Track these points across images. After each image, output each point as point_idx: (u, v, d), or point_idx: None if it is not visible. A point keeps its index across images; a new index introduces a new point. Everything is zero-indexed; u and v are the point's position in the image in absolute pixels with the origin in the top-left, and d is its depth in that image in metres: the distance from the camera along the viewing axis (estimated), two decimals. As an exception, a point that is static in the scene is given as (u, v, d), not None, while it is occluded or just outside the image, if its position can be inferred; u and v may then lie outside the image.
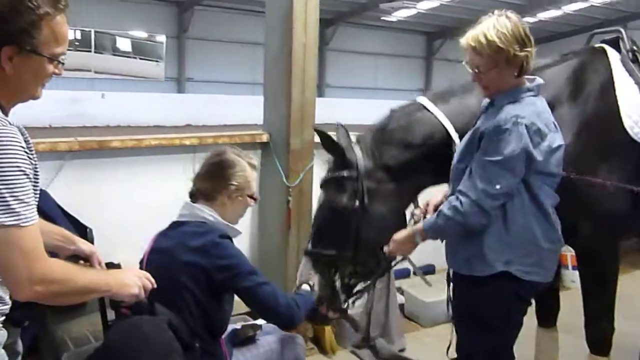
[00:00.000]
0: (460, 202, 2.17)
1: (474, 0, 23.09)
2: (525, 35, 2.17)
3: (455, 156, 2.36)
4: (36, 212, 1.49)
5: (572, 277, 4.82)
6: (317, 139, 3.82)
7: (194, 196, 2.42)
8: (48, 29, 1.51)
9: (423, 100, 2.72)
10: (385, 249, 2.50)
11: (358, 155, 2.62)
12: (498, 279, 2.22)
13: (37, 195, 1.56)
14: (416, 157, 2.63)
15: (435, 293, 4.34)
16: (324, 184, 2.71)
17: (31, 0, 1.47)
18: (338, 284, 2.60)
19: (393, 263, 2.73)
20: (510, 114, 2.14)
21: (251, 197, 2.42)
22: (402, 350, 3.84)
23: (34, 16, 1.47)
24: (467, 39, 2.21)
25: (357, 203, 2.56)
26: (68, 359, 2.61)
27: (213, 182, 2.37)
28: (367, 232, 2.58)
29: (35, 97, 1.61)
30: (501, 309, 2.27)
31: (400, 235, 2.44)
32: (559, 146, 2.23)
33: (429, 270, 4.84)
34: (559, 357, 3.17)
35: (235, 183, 2.35)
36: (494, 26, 2.15)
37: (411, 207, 2.74)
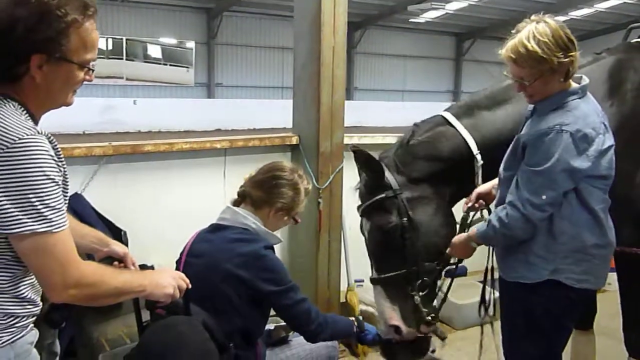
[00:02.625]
0: (507, 213, 2.13)
1: (503, 0, 22.87)
2: (568, 40, 2.07)
3: (502, 164, 2.32)
4: (67, 218, 1.51)
5: (607, 280, 4.71)
6: (346, 140, 3.85)
7: (242, 197, 2.44)
8: (77, 36, 1.51)
9: (446, 114, 2.69)
10: (448, 250, 2.52)
11: (386, 172, 2.61)
12: (549, 286, 2.17)
13: (67, 201, 1.58)
14: (440, 171, 2.63)
15: (468, 295, 4.31)
16: (366, 211, 2.69)
17: (59, 8, 1.47)
18: (417, 299, 2.59)
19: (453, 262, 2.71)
20: (554, 122, 2.08)
21: (294, 218, 2.47)
22: (432, 351, 3.80)
23: (62, 24, 1.48)
24: (507, 50, 2.11)
25: (404, 219, 2.56)
26: (104, 359, 2.65)
27: (264, 192, 2.39)
28: (423, 241, 2.58)
29: (67, 104, 1.62)
30: (553, 316, 2.23)
31: (457, 239, 2.46)
32: (610, 147, 2.16)
33: (461, 272, 4.81)
34: (595, 361, 3.11)
35: (285, 202, 2.38)
36: (533, 35, 2.05)
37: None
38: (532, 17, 2.13)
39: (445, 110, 2.76)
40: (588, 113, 2.13)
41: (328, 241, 3.77)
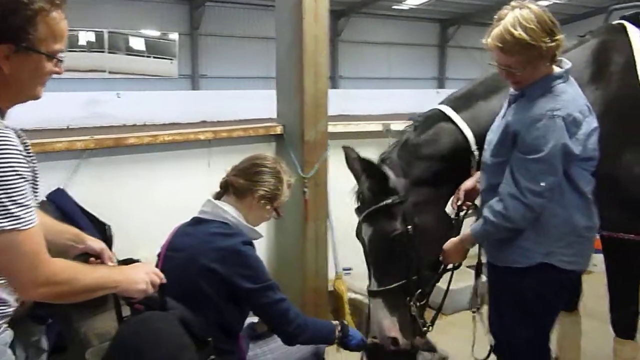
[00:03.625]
0: (505, 206, 2.11)
1: (487, -15, 22.87)
2: (552, 24, 2.06)
3: (488, 150, 2.30)
4: (36, 215, 1.47)
5: (593, 261, 4.75)
6: (331, 129, 3.84)
7: (225, 187, 2.41)
8: (44, 25, 1.47)
9: (445, 109, 2.62)
10: (441, 259, 2.48)
11: (392, 176, 2.52)
12: (540, 270, 2.19)
13: (37, 198, 1.56)
14: (441, 171, 2.57)
15: (456, 281, 4.32)
16: (369, 216, 2.57)
17: None
18: (414, 309, 2.53)
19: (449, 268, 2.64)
20: (545, 107, 2.07)
21: (276, 210, 2.43)
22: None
23: (29, 12, 1.44)
24: (493, 39, 2.08)
25: (409, 226, 2.49)
26: (92, 354, 2.64)
27: (246, 180, 2.36)
28: (426, 250, 2.52)
29: (35, 97, 1.58)
30: (545, 298, 2.25)
31: (450, 245, 2.41)
32: (595, 128, 2.17)
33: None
34: (581, 342, 3.14)
35: (267, 190, 2.35)
36: (519, 22, 2.03)
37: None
38: (513, 3, 2.10)
39: (442, 103, 2.68)
40: (575, 97, 2.14)
41: (315, 230, 3.77)
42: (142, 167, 3.51)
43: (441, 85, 29.17)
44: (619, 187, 2.56)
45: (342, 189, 3.82)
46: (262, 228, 3.90)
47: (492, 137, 2.29)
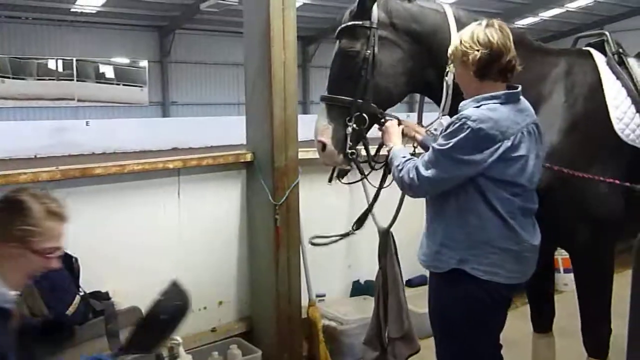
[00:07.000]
0: (401, 169, 2.30)
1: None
2: (487, 39, 2.18)
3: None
4: None
5: (564, 281, 4.81)
6: (301, 155, 3.83)
7: None
8: None
9: (446, 6, 2.75)
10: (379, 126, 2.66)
11: (374, 7, 2.63)
12: (456, 277, 2.24)
13: None
14: (419, 36, 2.66)
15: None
16: (340, 33, 2.71)
17: None
18: (349, 130, 2.62)
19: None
20: (465, 114, 2.17)
21: (43, 254, 1.83)
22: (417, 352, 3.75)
23: None
24: None
25: (368, 51, 2.60)
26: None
27: None
28: (377, 79, 2.61)
29: None
30: (461, 310, 2.28)
31: (389, 127, 2.59)
32: (521, 156, 2.19)
33: (421, 281, 4.83)
34: (555, 361, 3.15)
35: (6, 230, 1.79)
36: (472, 31, 2.23)
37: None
38: (494, 20, 2.28)
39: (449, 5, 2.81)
40: (505, 118, 2.17)
41: (287, 257, 3.73)
42: (109, 197, 3.44)
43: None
44: (586, 202, 2.60)
45: (313, 214, 3.83)
46: (234, 257, 3.89)
47: None
